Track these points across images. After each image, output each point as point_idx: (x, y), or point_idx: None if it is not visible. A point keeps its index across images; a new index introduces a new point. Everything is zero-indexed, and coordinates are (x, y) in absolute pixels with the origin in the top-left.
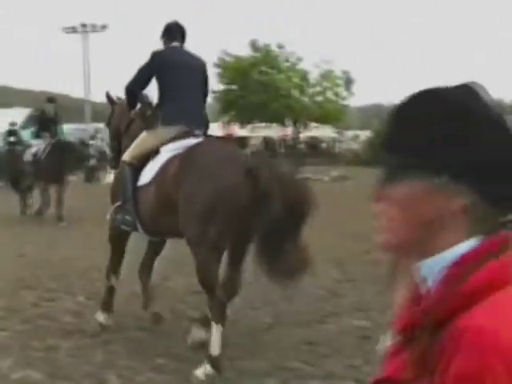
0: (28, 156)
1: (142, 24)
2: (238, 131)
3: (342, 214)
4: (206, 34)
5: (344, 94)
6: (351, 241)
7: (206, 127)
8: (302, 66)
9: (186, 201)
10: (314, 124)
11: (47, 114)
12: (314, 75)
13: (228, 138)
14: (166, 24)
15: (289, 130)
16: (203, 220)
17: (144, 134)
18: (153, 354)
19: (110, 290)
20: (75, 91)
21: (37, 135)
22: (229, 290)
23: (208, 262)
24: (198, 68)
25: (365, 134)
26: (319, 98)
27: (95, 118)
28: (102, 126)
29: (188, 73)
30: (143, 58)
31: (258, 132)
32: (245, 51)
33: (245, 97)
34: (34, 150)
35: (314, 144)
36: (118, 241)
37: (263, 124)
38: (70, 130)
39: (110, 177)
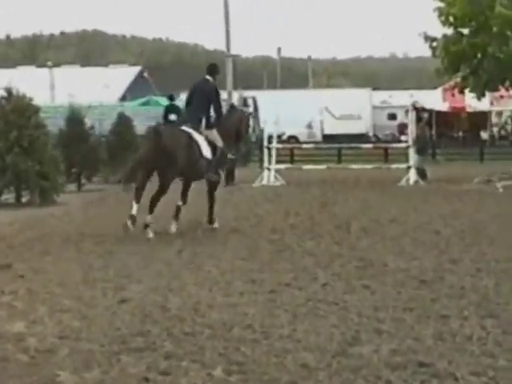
0: None
1: None
2: (472, 102)
3: None
4: None
5: None
6: None
7: (206, 123)
8: None
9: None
10: None
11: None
12: None
13: (455, 113)
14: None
15: None
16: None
17: None
18: None
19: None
20: (207, 40)
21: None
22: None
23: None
24: (205, 92)
25: None
26: None
27: (239, 81)
28: (251, 94)
29: (198, 95)
30: None
31: (504, 104)
32: None
33: (484, 47)
34: None
35: None
36: None
37: None
38: None
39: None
